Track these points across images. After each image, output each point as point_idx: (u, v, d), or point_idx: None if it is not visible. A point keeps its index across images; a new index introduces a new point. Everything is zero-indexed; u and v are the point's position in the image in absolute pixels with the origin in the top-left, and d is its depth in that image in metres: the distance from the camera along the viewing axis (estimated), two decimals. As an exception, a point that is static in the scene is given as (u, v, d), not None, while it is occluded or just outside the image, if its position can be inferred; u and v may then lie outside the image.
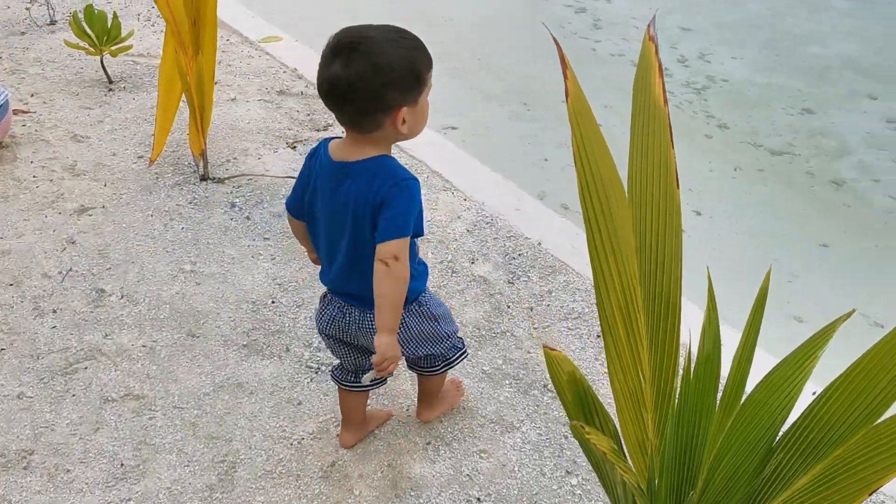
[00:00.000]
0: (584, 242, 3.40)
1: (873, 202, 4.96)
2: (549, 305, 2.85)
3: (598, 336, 2.66)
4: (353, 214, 1.82)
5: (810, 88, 6.26)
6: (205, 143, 3.37)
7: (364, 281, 1.84)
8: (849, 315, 1.51)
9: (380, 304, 1.81)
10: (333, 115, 1.81)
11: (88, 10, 3.98)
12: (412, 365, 2.28)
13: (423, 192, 3.35)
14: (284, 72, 4.48)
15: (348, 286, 1.94)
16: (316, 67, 1.78)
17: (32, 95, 4.06)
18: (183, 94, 3.33)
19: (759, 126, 5.77)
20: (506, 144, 5.46)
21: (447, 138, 5.41)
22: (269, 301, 2.84)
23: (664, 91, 1.64)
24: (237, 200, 3.29)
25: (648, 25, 1.63)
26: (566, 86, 1.69)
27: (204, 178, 3.43)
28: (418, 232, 1.90)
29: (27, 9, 4.93)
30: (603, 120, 5.84)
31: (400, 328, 1.92)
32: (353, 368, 2.17)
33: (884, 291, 4.11)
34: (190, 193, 3.35)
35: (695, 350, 1.44)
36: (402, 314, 1.90)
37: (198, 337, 2.66)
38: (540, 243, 3.18)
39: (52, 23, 4.88)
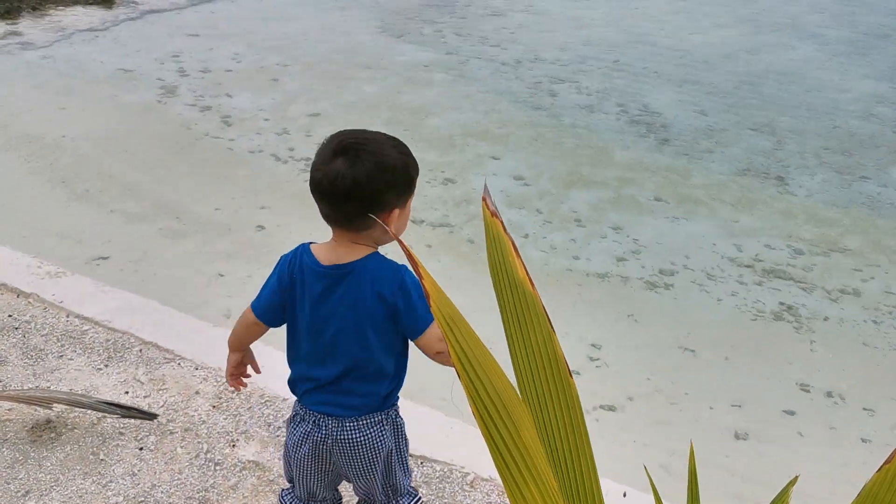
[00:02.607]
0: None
1: (534, 258, 5.29)
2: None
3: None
4: (356, 316, 1.78)
5: (444, 158, 6.58)
6: None
7: (360, 382, 1.82)
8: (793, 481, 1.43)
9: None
10: (319, 211, 1.76)
11: None
12: None
13: (136, 370, 2.80)
14: None
15: (338, 389, 1.84)
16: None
17: None
18: None
19: (413, 202, 5.86)
20: (171, 267, 4.90)
21: (103, 274, 4.69)
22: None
23: (527, 272, 1.43)
24: None
25: (484, 198, 1.39)
26: (424, 287, 1.37)
27: None
28: None
29: None
30: (266, 222, 5.54)
31: (373, 441, 1.87)
32: (307, 496, 2.01)
33: (570, 331, 4.36)
34: None
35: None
36: (381, 420, 1.88)
37: None
38: (300, 398, 2.78)
39: None
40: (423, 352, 1.81)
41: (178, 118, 6.99)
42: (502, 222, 1.39)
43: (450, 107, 7.68)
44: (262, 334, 1.97)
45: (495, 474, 2.42)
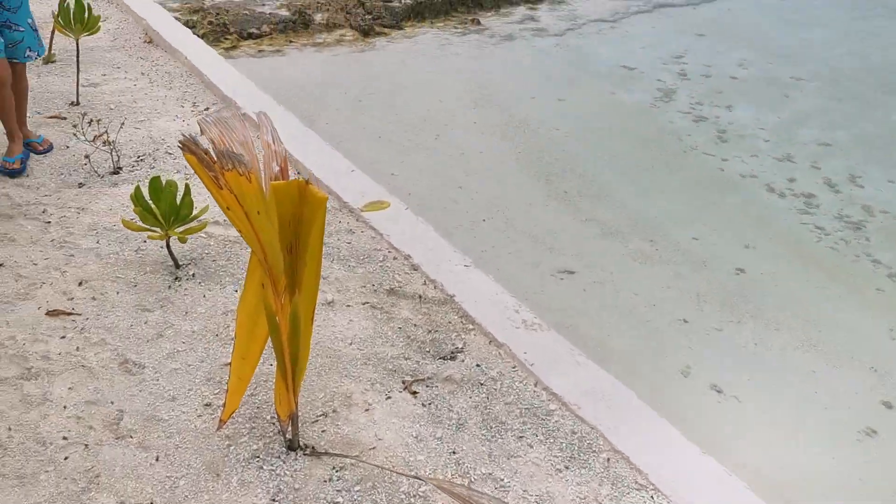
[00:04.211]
0: None
1: None
2: None
3: None
4: None
5: None
6: (296, 405, 2.29)
7: None
8: None
9: None
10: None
11: (155, 182, 2.96)
12: None
13: (600, 488, 2.26)
14: (395, 258, 3.28)
15: None
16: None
17: (80, 284, 3.04)
18: (269, 339, 2.26)
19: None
20: (635, 297, 4.31)
21: (565, 289, 4.28)
22: None
23: None
24: (341, 499, 2.17)
25: None
26: None
27: (292, 448, 2.35)
28: None
29: (86, 157, 3.96)
30: (747, 265, 4.66)
31: None
32: None
33: None
34: (273, 479, 2.23)
35: None
36: None
37: None
38: None
39: (116, 171, 3.86)
40: None
41: (669, 126, 6.33)
42: None
43: None
44: None
45: None
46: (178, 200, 3.02)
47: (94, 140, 3.97)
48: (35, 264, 3.16)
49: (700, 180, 5.55)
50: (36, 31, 3.94)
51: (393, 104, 6.36)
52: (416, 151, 5.71)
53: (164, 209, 2.98)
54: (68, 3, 4.42)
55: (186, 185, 3.03)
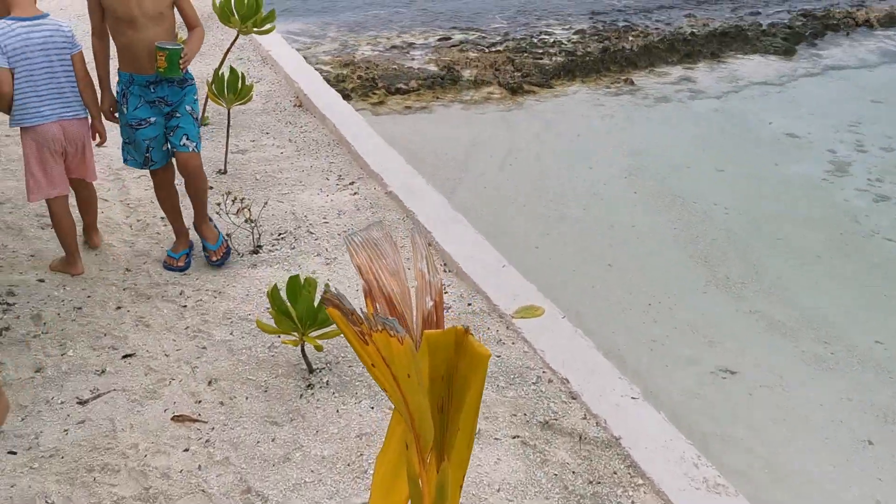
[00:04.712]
0: None
1: None
2: None
3: None
4: None
5: None
6: (434, 585, 1.91)
7: None
8: None
9: None
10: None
11: (293, 281, 2.68)
12: None
13: None
14: (550, 380, 2.78)
15: None
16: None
17: (210, 384, 2.81)
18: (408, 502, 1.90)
19: None
20: (809, 410, 3.72)
21: (731, 391, 3.73)
22: None
23: None
24: None
25: None
26: None
27: None
28: None
29: (228, 236, 3.77)
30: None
31: None
32: None
33: None
34: None
35: None
36: None
37: None
38: None
39: (256, 250, 3.69)
40: None
41: (844, 205, 5.61)
42: None
43: None
44: None
45: None
46: (317, 302, 2.73)
47: (237, 213, 3.79)
48: (167, 356, 2.95)
49: (882, 271, 4.84)
50: (198, 124, 3.48)
51: (539, 169, 5.97)
52: (561, 223, 5.29)
53: (300, 311, 2.69)
54: (223, 73, 4.31)
55: (326, 285, 2.74)
